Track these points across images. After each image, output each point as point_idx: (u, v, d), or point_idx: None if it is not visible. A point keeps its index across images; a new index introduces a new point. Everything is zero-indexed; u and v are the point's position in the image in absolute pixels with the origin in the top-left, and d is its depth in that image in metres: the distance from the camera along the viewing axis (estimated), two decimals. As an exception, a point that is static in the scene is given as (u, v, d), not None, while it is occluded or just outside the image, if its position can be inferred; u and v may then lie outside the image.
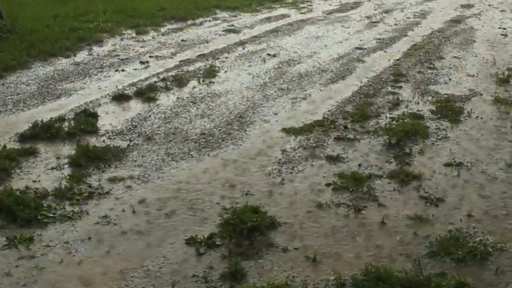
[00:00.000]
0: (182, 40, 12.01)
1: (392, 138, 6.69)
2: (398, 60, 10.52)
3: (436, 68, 9.99)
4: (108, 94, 8.34)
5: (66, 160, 6.10)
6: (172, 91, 8.58)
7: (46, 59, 10.19)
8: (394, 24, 14.02)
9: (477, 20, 14.66)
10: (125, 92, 8.42)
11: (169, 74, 9.39)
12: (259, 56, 10.68)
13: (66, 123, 7.06)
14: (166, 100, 8.17)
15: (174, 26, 13.39)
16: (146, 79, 9.10)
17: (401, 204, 5.31)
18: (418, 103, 8.12)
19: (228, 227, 4.79)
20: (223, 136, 6.86)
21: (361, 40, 12.20)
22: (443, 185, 5.70)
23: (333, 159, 6.22)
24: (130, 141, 6.67)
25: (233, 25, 13.69)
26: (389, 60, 10.49)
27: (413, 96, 8.41)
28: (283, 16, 15.12)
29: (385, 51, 11.19)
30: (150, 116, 7.52)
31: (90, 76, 9.32)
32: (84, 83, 8.94)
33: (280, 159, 6.23)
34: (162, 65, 10.05)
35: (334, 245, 4.66)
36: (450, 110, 7.76)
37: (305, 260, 4.45)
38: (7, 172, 5.81)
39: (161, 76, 9.23)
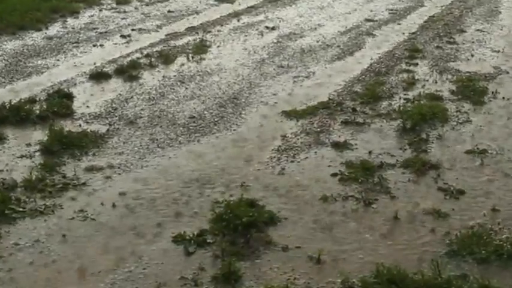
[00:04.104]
0: (169, 11, 11.95)
1: (407, 122, 6.67)
2: (413, 33, 10.49)
3: (457, 43, 9.96)
4: (84, 72, 8.30)
5: (38, 147, 6.08)
6: (157, 69, 8.55)
7: (14, 33, 10.13)
8: (409, -7, 13.98)
9: (503, -12, 14.63)
10: (104, 69, 8.38)
11: (154, 49, 9.35)
12: (256, 29, 10.64)
13: (38, 105, 7.03)
14: (150, 79, 8.14)
15: (159, -5, 13.33)
16: (128, 55, 9.06)
17: (417, 197, 5.30)
18: (436, 82, 8.11)
19: (221, 222, 4.77)
20: (216, 120, 6.84)
21: (371, 11, 12.15)
22: (465, 175, 5.69)
23: (340, 146, 6.20)
24: (110, 125, 6.65)
25: (227, -6, 13.63)
26: (403, 33, 10.46)
27: (431, 75, 8.39)
28: (284, -16, 15.06)
29: (399, 24, 11.15)
30: (132, 97, 7.49)
31: (64, 52, 9.28)
32: (58, 60, 8.90)
33: (280, 146, 6.21)
34: (146, 39, 10.00)
35: (341, 243, 4.65)
36: (472, 90, 7.74)
37: (308, 260, 4.44)
38: (-30, 161, 5.81)
39: (145, 52, 9.19)
